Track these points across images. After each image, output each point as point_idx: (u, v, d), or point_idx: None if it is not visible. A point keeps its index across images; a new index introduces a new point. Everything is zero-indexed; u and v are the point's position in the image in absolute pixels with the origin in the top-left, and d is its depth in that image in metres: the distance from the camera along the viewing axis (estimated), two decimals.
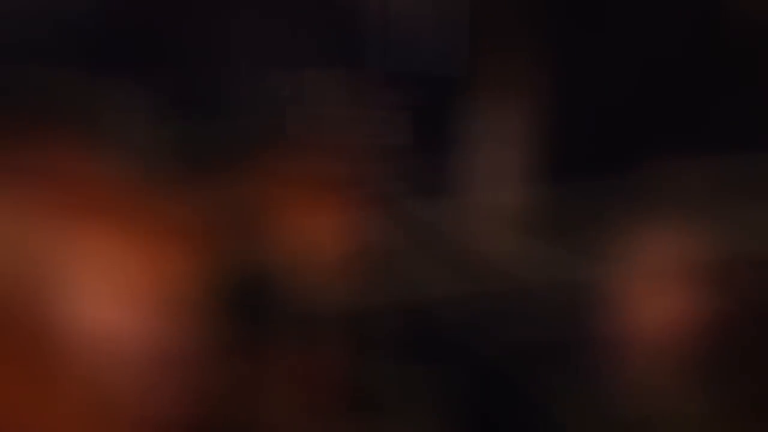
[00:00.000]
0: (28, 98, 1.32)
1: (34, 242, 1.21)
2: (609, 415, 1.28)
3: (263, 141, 1.41)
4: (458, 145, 1.46)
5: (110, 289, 1.21)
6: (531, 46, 1.42)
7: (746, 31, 1.34)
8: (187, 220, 1.28)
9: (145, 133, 1.39)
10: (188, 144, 1.36)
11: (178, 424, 1.21)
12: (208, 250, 1.28)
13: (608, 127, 1.38)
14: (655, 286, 1.33)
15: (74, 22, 1.42)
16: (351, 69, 1.51)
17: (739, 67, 1.33)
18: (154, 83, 1.42)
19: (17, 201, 1.22)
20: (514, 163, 1.44)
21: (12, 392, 1.15)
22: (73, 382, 1.18)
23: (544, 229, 1.42)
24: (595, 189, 1.35)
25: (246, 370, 1.26)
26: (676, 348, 1.30)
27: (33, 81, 1.33)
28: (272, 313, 1.29)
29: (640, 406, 1.27)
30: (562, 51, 1.40)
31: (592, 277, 1.35)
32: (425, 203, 1.47)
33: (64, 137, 1.28)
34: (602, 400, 1.28)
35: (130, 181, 1.29)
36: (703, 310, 1.30)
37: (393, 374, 1.32)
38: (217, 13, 1.48)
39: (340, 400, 1.28)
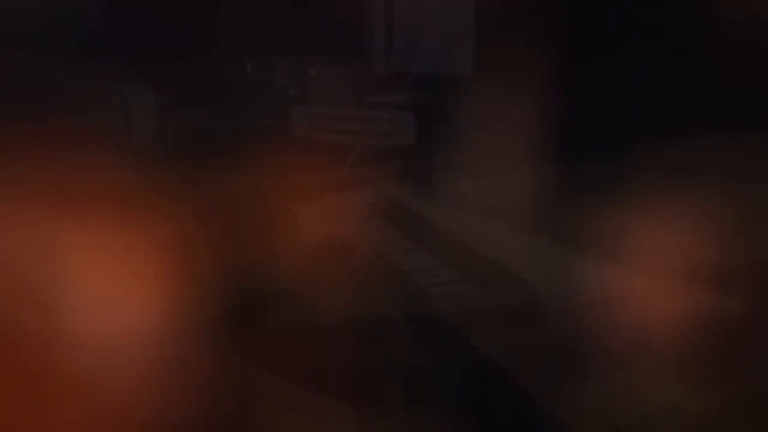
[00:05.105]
0: (29, 91, 1.33)
1: (33, 240, 1.22)
2: (609, 416, 1.28)
3: (267, 138, 1.41)
4: (460, 145, 1.46)
5: (109, 288, 1.22)
6: (533, 43, 1.42)
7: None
8: (188, 216, 1.29)
9: (148, 127, 1.40)
10: (191, 140, 1.37)
11: (178, 425, 1.22)
12: (208, 249, 1.28)
13: (608, 124, 1.38)
14: (658, 285, 1.33)
15: (78, 15, 1.43)
16: (356, 68, 1.52)
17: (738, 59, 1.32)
18: (158, 79, 1.44)
19: (17, 199, 1.23)
20: (517, 162, 1.44)
21: (12, 392, 1.16)
22: (74, 384, 1.19)
23: (547, 228, 1.42)
24: (599, 187, 1.35)
25: (247, 370, 1.27)
26: (677, 347, 1.30)
27: (35, 74, 1.34)
28: (273, 313, 1.29)
29: (640, 406, 1.27)
30: (563, 47, 1.40)
31: (595, 276, 1.35)
32: (426, 203, 1.47)
33: (66, 131, 1.29)
34: (603, 401, 1.28)
35: (132, 177, 1.30)
36: (706, 310, 1.30)
37: (396, 374, 1.33)
38: (222, 10, 1.49)
39: (342, 400, 1.29)
